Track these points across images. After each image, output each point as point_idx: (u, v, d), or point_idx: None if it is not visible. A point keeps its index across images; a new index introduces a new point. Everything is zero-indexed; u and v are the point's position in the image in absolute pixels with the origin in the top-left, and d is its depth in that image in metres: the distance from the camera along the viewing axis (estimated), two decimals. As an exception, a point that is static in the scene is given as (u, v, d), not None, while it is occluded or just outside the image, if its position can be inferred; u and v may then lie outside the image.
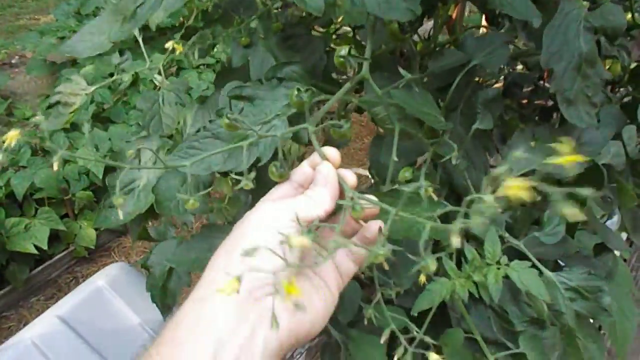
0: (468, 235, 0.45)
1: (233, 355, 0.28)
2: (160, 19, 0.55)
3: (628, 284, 0.79)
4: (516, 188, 0.22)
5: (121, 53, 0.63)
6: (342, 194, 0.35)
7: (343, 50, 0.39)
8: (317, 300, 0.35)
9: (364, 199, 0.34)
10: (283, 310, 0.31)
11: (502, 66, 1.05)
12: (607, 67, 0.71)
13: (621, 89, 0.66)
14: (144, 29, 0.67)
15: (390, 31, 0.48)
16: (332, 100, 0.42)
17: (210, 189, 0.48)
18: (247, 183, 0.36)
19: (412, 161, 0.56)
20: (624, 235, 1.65)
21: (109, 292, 0.85)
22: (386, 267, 0.30)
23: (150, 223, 0.76)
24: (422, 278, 0.45)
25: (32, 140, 1.98)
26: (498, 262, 0.42)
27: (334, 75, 0.57)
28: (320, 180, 0.35)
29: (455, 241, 0.25)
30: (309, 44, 0.53)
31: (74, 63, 2.46)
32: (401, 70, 0.42)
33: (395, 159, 0.42)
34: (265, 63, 0.50)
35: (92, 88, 0.64)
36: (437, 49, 0.53)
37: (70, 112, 0.63)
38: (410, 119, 0.43)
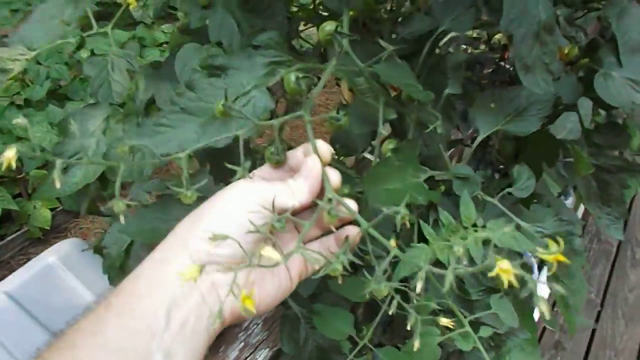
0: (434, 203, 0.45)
1: (184, 315, 0.30)
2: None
3: (581, 259, 0.82)
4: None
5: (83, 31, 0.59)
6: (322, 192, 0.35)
7: (329, 26, 0.38)
8: (270, 283, 0.35)
9: (342, 203, 0.33)
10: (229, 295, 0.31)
11: (464, 46, 1.06)
12: (566, 51, 0.73)
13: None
14: (102, 4, 0.63)
15: (364, 1, 0.47)
16: (323, 80, 0.40)
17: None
18: (242, 173, 0.35)
19: (372, 130, 0.55)
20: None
21: (60, 269, 0.81)
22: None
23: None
24: (392, 242, 0.46)
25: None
26: (475, 225, 0.42)
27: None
28: (304, 171, 0.35)
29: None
30: (269, 8, 0.52)
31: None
32: (382, 42, 0.41)
33: (383, 132, 0.42)
34: (224, 25, 0.47)
35: (33, 53, 0.60)
36: (406, 15, 0.52)
37: (9, 79, 0.59)
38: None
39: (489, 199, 0.44)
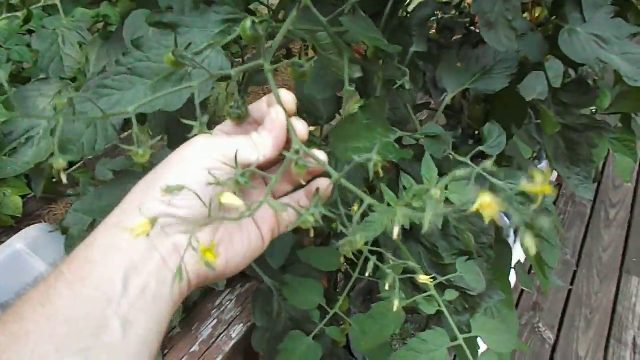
0: (399, 165, 0.44)
1: (143, 281, 0.28)
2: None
3: (552, 218, 0.83)
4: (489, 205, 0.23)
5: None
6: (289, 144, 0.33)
7: None
8: (239, 241, 0.33)
9: (310, 154, 0.32)
10: (193, 256, 0.30)
11: (434, 12, 1.05)
12: (536, 14, 0.72)
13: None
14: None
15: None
16: (282, 32, 0.38)
17: (121, 134, 0.44)
18: (200, 128, 0.32)
19: (338, 97, 0.54)
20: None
21: (28, 255, 0.79)
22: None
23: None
24: (355, 208, 0.45)
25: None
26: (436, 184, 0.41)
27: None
28: (268, 124, 0.33)
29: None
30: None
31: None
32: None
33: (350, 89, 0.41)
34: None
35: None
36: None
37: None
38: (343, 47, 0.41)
39: (460, 158, 0.43)
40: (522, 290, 1.54)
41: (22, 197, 1.82)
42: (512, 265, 0.88)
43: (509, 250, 0.82)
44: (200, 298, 0.56)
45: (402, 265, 0.44)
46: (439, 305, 0.42)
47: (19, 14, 0.56)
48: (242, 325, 0.57)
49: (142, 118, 0.50)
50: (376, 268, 0.42)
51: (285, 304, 0.53)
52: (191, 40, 0.38)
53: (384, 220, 0.38)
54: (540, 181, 0.25)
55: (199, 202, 0.29)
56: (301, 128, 0.33)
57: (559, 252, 0.79)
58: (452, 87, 0.46)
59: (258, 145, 0.32)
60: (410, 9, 1.05)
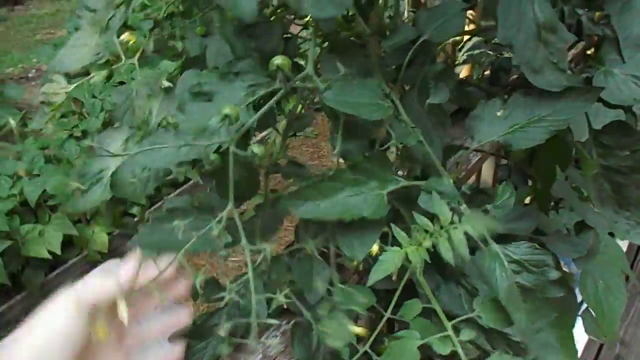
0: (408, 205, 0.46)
1: None
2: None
3: (617, 262, 0.78)
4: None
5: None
6: None
7: (277, 60, 0.42)
8: None
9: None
10: None
11: (488, 51, 1.05)
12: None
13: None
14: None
15: (337, 21, 0.49)
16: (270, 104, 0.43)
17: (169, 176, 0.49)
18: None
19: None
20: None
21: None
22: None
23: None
24: (375, 248, 0.46)
25: (45, 149, 2.04)
26: (452, 223, 0.42)
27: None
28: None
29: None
30: (266, 31, 0.55)
31: (87, 73, 2.52)
32: (338, 65, 0.43)
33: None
34: (221, 51, 0.51)
35: (72, 86, 0.66)
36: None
37: (51, 110, 0.66)
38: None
39: (463, 210, 0.43)
40: (601, 344, 1.43)
41: (109, 234, 1.99)
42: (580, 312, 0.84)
43: (574, 300, 0.78)
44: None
45: (421, 305, 0.45)
46: (454, 345, 0.43)
47: (103, 72, 0.65)
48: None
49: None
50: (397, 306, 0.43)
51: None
52: (222, 103, 0.43)
53: (395, 260, 0.39)
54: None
55: None
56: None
57: (624, 302, 0.75)
58: (480, 137, 0.47)
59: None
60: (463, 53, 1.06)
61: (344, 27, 0.50)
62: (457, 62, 1.07)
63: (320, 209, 0.41)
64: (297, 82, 0.44)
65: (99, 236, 1.95)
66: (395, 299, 0.53)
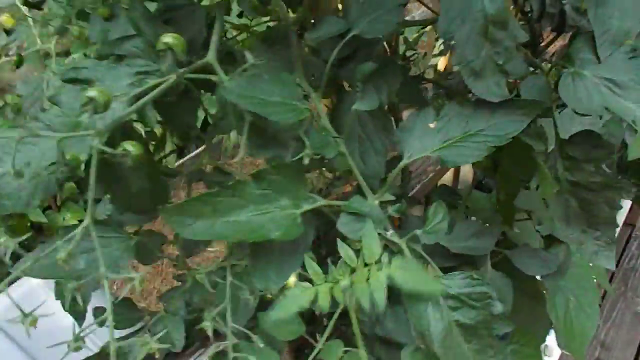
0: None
1: None
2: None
3: (588, 277, 0.72)
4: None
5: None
6: None
7: (166, 39, 0.34)
8: None
9: None
10: None
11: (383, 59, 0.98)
12: None
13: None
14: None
15: (252, 5, 0.42)
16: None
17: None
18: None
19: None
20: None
21: (43, 291, 0.80)
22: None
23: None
24: (291, 280, 0.40)
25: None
26: (378, 261, 0.35)
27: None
28: None
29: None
30: (190, 15, 0.47)
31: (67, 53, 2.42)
32: (247, 54, 0.36)
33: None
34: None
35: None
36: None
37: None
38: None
39: (391, 238, 0.37)
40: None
41: (80, 221, 1.92)
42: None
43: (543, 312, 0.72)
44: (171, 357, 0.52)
45: (342, 348, 0.38)
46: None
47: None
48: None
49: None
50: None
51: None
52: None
53: (302, 301, 0.33)
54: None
55: None
56: None
57: (596, 320, 0.69)
58: (411, 152, 0.40)
59: None
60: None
61: (260, 11, 0.42)
62: (433, 54, 1.00)
63: (215, 229, 0.34)
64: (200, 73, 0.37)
65: (72, 223, 1.88)
66: (327, 331, 0.46)
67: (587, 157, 0.45)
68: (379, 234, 0.37)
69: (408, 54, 0.62)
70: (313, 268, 0.34)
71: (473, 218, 0.78)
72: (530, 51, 0.58)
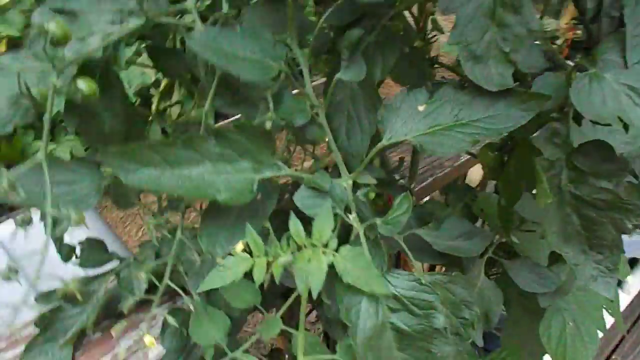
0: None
1: None
2: None
3: (594, 303, 0.66)
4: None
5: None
6: None
7: None
8: None
9: None
10: None
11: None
12: None
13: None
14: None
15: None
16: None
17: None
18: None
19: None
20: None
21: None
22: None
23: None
24: (239, 248, 0.38)
25: None
26: (326, 246, 0.33)
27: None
28: None
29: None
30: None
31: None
32: (224, 3, 0.34)
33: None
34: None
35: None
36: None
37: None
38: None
39: (355, 224, 0.34)
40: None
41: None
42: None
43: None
44: (137, 306, 0.52)
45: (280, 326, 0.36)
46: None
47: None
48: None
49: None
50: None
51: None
52: (89, 26, 0.35)
53: (237, 270, 0.31)
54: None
55: None
56: None
57: (594, 351, 0.63)
58: (392, 133, 0.36)
59: None
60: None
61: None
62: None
63: (161, 180, 0.32)
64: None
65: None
66: (285, 306, 0.44)
67: (595, 171, 0.40)
68: (336, 214, 0.35)
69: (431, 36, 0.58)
70: (253, 238, 0.32)
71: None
72: (584, 54, 0.52)
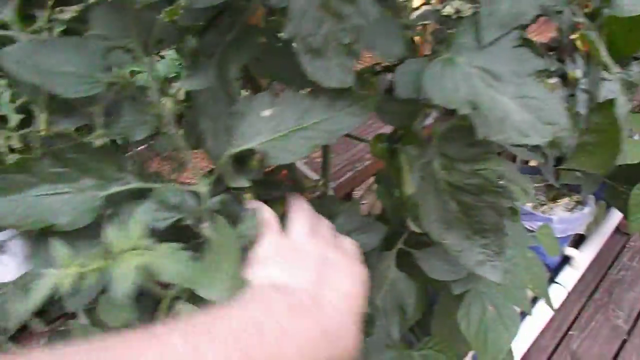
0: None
1: None
2: None
3: (519, 287, 0.66)
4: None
5: None
6: None
7: None
8: None
9: None
10: None
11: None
12: None
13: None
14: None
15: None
16: None
17: None
18: None
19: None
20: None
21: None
22: None
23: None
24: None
25: None
26: (137, 248, 0.31)
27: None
28: None
29: None
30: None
31: None
32: (37, 14, 0.32)
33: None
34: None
35: None
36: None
37: None
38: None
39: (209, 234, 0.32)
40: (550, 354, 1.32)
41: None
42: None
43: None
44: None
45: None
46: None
47: None
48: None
49: None
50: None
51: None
52: None
53: (48, 283, 0.29)
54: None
55: None
56: None
57: (514, 334, 0.63)
58: (240, 142, 0.35)
59: None
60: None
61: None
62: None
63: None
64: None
65: None
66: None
67: (462, 157, 0.40)
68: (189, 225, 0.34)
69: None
70: (60, 252, 0.30)
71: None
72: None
